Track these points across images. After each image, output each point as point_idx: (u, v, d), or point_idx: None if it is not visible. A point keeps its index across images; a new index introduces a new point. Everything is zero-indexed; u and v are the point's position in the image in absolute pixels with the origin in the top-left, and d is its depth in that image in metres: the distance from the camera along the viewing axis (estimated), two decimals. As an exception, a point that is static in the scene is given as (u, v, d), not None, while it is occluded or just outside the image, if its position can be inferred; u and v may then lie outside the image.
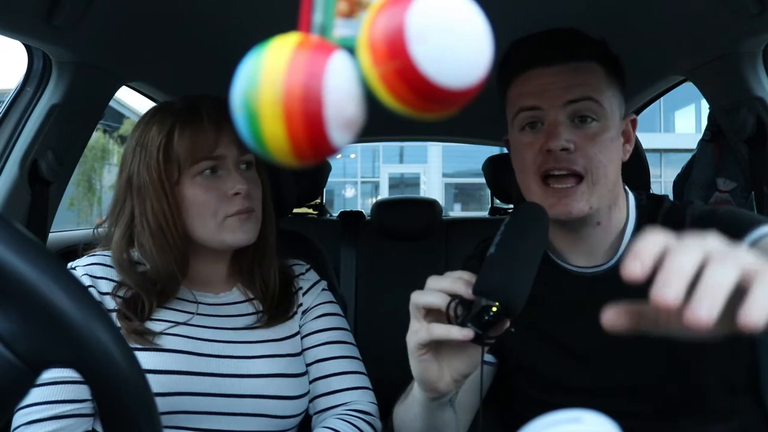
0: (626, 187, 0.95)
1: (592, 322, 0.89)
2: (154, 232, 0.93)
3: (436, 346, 0.71)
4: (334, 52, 0.32)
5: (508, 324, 0.68)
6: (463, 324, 0.66)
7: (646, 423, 0.85)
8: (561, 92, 0.86)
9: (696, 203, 0.94)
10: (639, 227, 0.91)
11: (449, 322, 0.68)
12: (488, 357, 0.95)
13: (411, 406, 0.82)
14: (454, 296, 0.68)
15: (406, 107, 0.32)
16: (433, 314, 0.70)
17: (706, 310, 0.41)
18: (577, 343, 0.90)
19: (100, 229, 1.02)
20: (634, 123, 0.94)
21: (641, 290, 0.86)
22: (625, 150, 0.92)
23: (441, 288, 0.69)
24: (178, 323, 0.94)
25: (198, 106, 0.96)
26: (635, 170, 1.43)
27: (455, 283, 0.69)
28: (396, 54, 0.30)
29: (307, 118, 0.31)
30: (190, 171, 0.93)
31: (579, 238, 0.92)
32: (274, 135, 0.31)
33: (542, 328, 0.92)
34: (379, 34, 0.30)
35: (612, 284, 0.89)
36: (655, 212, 0.93)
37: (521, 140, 0.90)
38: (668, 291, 0.43)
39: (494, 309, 0.65)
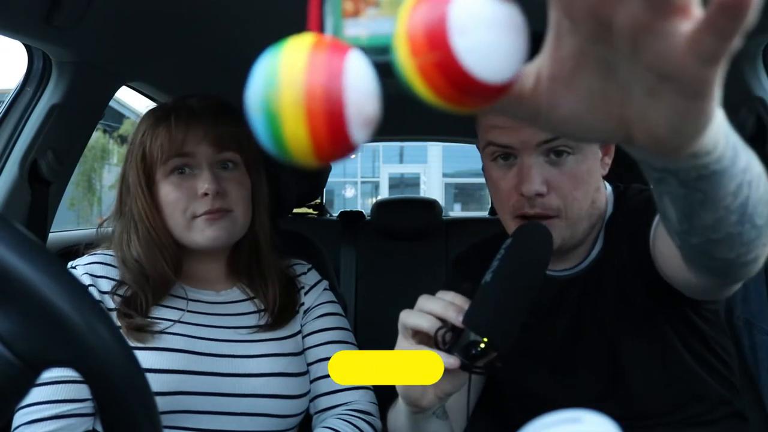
0: (605, 183, 0.92)
1: (566, 322, 0.89)
2: (140, 229, 0.96)
3: None
4: (349, 51, 0.32)
5: (493, 357, 0.66)
6: (449, 352, 0.66)
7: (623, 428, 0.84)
8: (534, 131, 0.79)
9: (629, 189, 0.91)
10: (612, 232, 0.89)
11: (437, 347, 0.67)
12: None
13: (399, 415, 0.81)
14: (444, 321, 0.67)
15: (442, 100, 0.32)
16: (420, 335, 0.69)
17: None
18: (549, 343, 0.90)
19: (102, 229, 1.03)
20: None
21: (611, 292, 0.86)
22: (603, 164, 0.87)
23: (431, 311, 0.68)
24: (174, 321, 0.94)
25: (173, 106, 0.98)
26: (634, 169, 1.43)
27: (446, 308, 0.67)
28: (436, 45, 0.30)
29: (330, 118, 0.31)
30: (162, 169, 0.95)
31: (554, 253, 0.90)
32: (296, 136, 0.31)
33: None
34: (419, 24, 0.30)
35: (583, 285, 0.89)
36: (628, 199, 0.90)
37: (494, 171, 0.86)
38: None
39: (482, 345, 0.64)
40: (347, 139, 0.32)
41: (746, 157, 0.41)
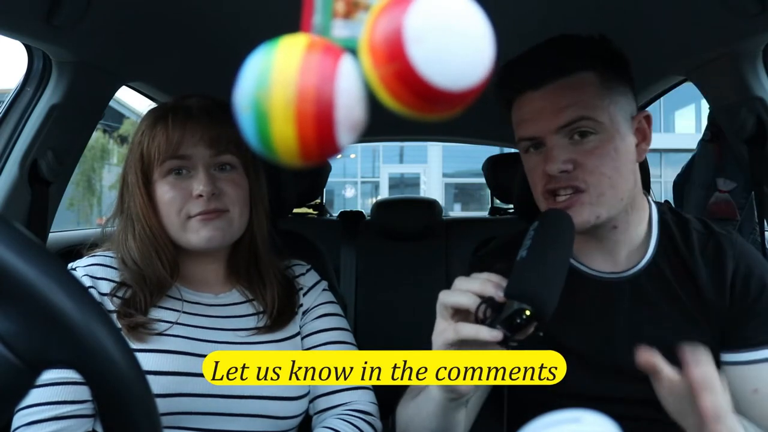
0: (648, 197, 0.95)
1: (608, 327, 0.89)
2: (137, 228, 0.96)
3: (459, 348, 0.71)
4: (342, 54, 0.32)
5: (534, 327, 0.68)
6: (492, 325, 0.67)
7: (648, 428, 0.85)
8: (552, 117, 0.85)
9: (733, 234, 0.92)
10: (662, 240, 0.91)
11: (477, 323, 0.68)
12: None
13: (424, 405, 0.81)
14: (483, 298, 0.69)
15: (407, 109, 0.32)
16: (460, 315, 0.71)
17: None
18: (588, 347, 0.90)
19: (108, 229, 1.03)
20: (648, 120, 0.91)
21: (662, 299, 0.86)
22: (640, 150, 0.90)
23: (470, 289, 0.70)
24: (172, 323, 0.94)
25: (171, 106, 0.98)
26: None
27: (485, 285, 0.69)
28: (394, 56, 0.30)
29: (318, 120, 0.31)
30: (159, 170, 0.95)
31: (596, 241, 0.92)
32: (284, 136, 0.31)
33: (553, 331, 0.92)
34: (378, 36, 0.30)
35: (632, 292, 0.90)
36: (683, 230, 0.92)
37: (528, 161, 0.91)
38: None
39: (527, 313, 0.66)
40: (333, 141, 0.32)
41: None
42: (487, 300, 0.69)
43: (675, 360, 0.85)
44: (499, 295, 0.68)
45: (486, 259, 1.03)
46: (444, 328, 0.71)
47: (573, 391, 0.91)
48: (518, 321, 0.66)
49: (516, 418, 0.97)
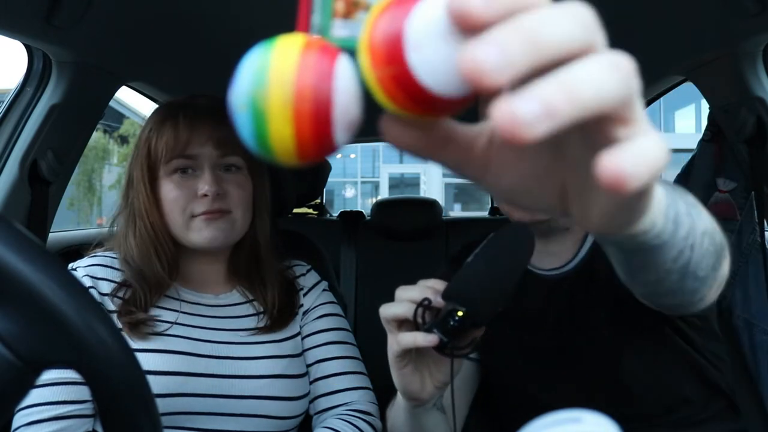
0: None
1: (557, 323, 0.90)
2: (138, 225, 0.96)
3: (415, 358, 0.71)
4: (339, 53, 0.32)
5: (475, 336, 0.67)
6: (429, 330, 0.66)
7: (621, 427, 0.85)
8: None
9: None
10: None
11: (418, 329, 0.67)
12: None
13: (398, 412, 0.82)
14: (421, 303, 0.67)
15: (403, 112, 0.32)
16: (405, 325, 0.69)
17: (535, 112, 0.22)
18: (541, 344, 0.91)
19: (114, 228, 1.02)
20: None
21: (603, 291, 0.87)
22: None
23: (409, 297, 0.68)
24: (171, 323, 0.94)
25: (181, 104, 0.98)
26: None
27: (423, 291, 0.68)
28: (393, 59, 0.30)
29: (317, 120, 0.31)
30: (166, 168, 0.95)
31: (548, 242, 0.93)
32: (282, 136, 0.31)
33: (510, 333, 0.93)
34: (378, 37, 0.30)
35: (573, 284, 0.91)
36: None
37: None
38: (486, 50, 0.22)
39: (460, 313, 0.64)
40: (331, 140, 0.32)
41: (689, 223, 0.42)
42: (422, 304, 0.67)
43: (623, 353, 0.86)
44: (437, 299, 0.67)
45: (454, 266, 1.04)
46: (391, 342, 0.70)
47: (527, 392, 0.92)
48: (452, 323, 0.64)
49: (503, 415, 0.98)
